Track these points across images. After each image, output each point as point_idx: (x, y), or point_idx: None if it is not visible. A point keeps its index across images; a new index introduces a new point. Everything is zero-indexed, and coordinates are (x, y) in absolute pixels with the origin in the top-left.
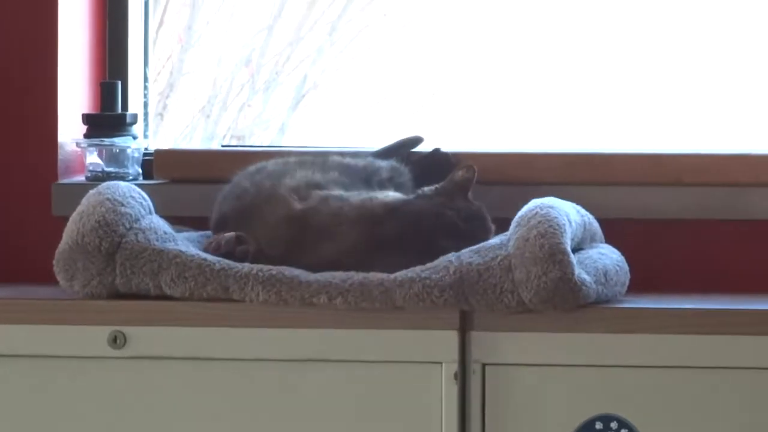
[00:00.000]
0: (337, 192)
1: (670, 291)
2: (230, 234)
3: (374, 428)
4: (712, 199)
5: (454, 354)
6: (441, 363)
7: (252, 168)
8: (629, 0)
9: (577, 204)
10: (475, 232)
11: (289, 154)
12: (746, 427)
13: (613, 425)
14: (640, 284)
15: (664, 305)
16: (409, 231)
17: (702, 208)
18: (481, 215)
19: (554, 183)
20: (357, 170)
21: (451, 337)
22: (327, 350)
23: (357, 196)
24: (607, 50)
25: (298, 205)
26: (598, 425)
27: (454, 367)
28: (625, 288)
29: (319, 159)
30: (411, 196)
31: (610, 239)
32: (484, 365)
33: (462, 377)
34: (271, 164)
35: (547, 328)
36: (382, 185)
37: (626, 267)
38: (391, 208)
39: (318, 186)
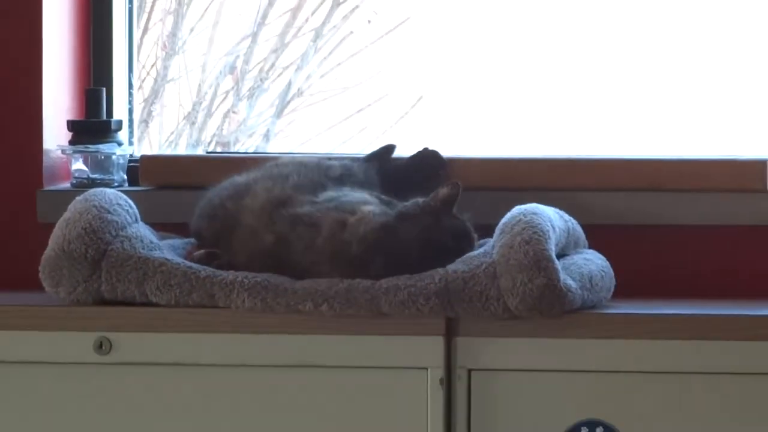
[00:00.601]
0: (304, 209)
1: (655, 296)
2: (200, 252)
3: None
4: (696, 205)
5: (440, 360)
6: (427, 369)
7: (225, 182)
8: (612, 7)
9: (561, 209)
10: (463, 249)
11: (270, 160)
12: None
13: (599, 431)
14: (624, 290)
15: (650, 311)
16: (395, 266)
17: (686, 214)
18: (467, 231)
19: (538, 188)
20: (311, 167)
21: (437, 342)
22: (313, 356)
23: (326, 211)
24: (591, 56)
25: (267, 238)
26: (584, 430)
27: (440, 372)
28: (611, 293)
29: (272, 163)
30: (391, 216)
31: (594, 245)
32: (469, 371)
33: (448, 383)
34: (237, 179)
35: (533, 333)
36: (336, 182)
37: (611, 272)
38: (371, 244)
39: (281, 203)
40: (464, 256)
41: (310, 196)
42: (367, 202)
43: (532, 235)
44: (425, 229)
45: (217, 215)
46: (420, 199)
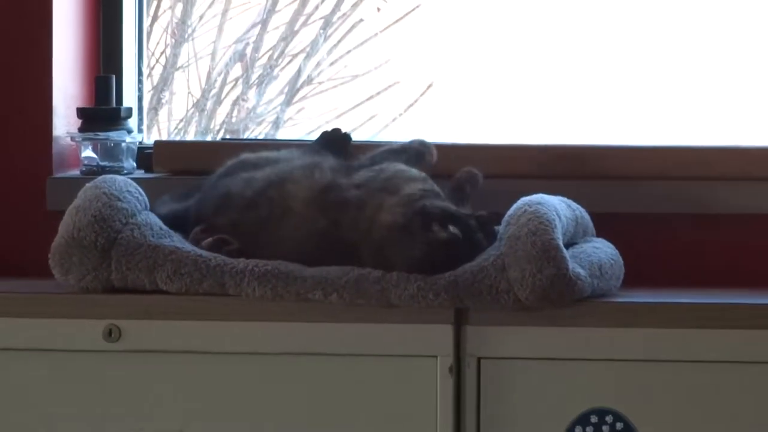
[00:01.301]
0: (351, 192)
1: (663, 285)
2: (208, 240)
3: (369, 422)
4: (704, 193)
5: (449, 348)
6: (436, 357)
7: (243, 174)
8: None
9: (569, 198)
10: (491, 242)
11: (279, 148)
12: (741, 420)
13: (608, 419)
14: (633, 278)
15: (659, 299)
16: (447, 265)
17: (694, 202)
18: (493, 228)
19: (546, 176)
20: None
21: (446, 331)
22: (322, 344)
23: (372, 192)
24: (599, 44)
25: (320, 223)
26: (594, 419)
27: (449, 360)
28: (620, 282)
29: (283, 153)
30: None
31: (603, 233)
32: (479, 359)
33: (457, 371)
34: (260, 173)
35: (543, 322)
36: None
37: (621, 261)
38: (441, 245)
39: (327, 188)
40: None
41: (348, 178)
42: (412, 179)
43: (538, 226)
44: (480, 240)
45: (259, 204)
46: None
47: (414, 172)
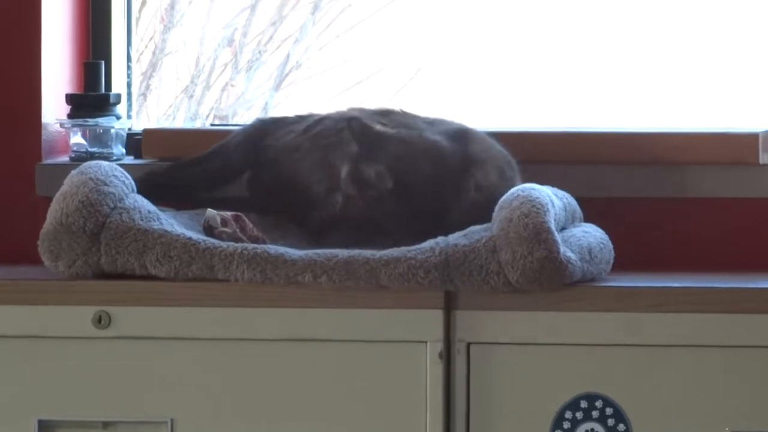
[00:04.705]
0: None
1: (651, 269)
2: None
3: (359, 407)
4: (690, 178)
5: (439, 333)
6: (426, 342)
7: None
8: None
9: (557, 182)
10: None
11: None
12: (732, 404)
13: (598, 404)
14: (621, 263)
15: (649, 284)
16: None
17: (680, 187)
18: None
19: (535, 161)
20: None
21: (436, 316)
22: (312, 329)
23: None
24: (588, 29)
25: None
26: (583, 404)
27: (439, 346)
28: (610, 266)
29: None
30: None
31: (590, 218)
32: (468, 344)
33: (447, 356)
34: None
35: (532, 306)
36: None
37: (610, 245)
38: None
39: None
40: (467, 230)
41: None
42: None
43: (531, 209)
44: None
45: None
46: None
47: None
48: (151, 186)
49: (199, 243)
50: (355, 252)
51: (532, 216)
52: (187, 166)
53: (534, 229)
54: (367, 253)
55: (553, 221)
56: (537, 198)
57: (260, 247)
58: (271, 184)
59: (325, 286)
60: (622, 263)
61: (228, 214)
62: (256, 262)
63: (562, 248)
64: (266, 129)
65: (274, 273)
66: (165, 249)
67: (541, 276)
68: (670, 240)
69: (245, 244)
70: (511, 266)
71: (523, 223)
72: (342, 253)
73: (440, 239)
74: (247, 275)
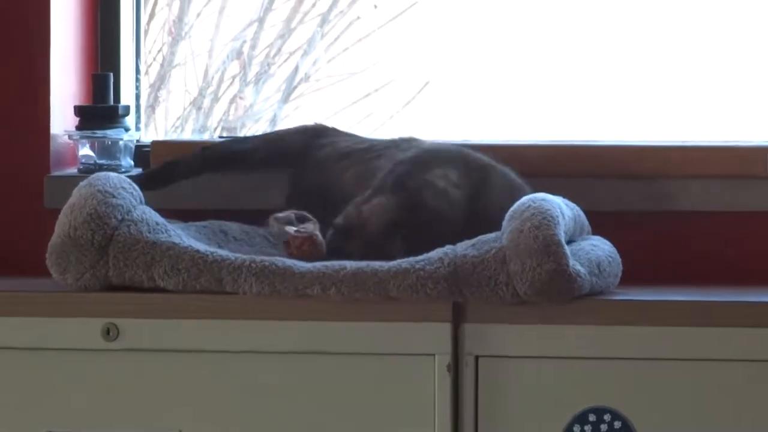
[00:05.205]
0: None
1: (659, 283)
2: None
3: (367, 420)
4: (699, 191)
5: (447, 346)
6: (434, 355)
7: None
8: None
9: (565, 195)
10: None
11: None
12: (739, 419)
13: (606, 417)
14: (629, 277)
15: (657, 297)
16: None
17: (689, 200)
18: None
19: (543, 174)
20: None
21: (444, 329)
22: (320, 342)
23: None
24: (596, 42)
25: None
26: (592, 417)
27: (447, 359)
28: (618, 280)
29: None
30: None
31: (598, 231)
32: (477, 357)
33: (455, 369)
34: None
35: (541, 320)
36: None
37: (618, 258)
38: None
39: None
40: (475, 240)
41: None
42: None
43: (541, 221)
44: None
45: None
46: None
47: None
48: (201, 159)
49: (207, 255)
50: (363, 263)
51: (543, 228)
52: (236, 141)
53: (544, 242)
54: (376, 264)
55: (563, 234)
56: (548, 210)
57: (268, 260)
58: (314, 184)
59: (334, 299)
60: (630, 277)
61: (290, 214)
62: (265, 274)
63: (572, 261)
64: (326, 131)
65: (283, 285)
66: (173, 262)
67: (550, 289)
68: (678, 253)
69: (253, 257)
70: (520, 278)
71: (533, 235)
72: (350, 264)
73: (449, 249)
74: (255, 288)
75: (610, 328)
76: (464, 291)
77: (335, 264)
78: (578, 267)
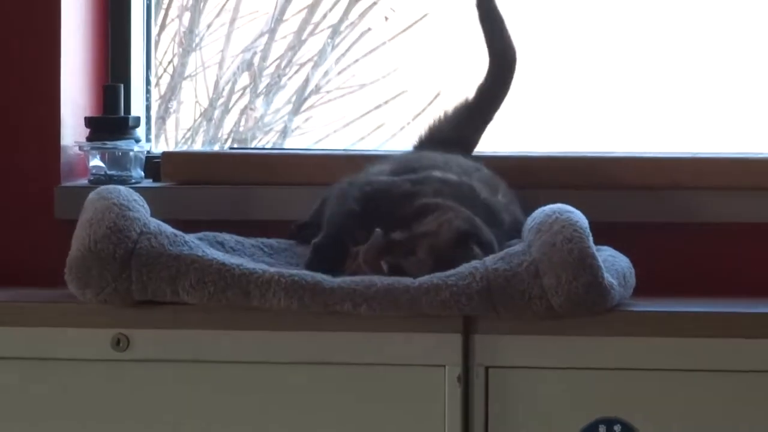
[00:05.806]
0: None
1: (671, 294)
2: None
3: (377, 430)
4: (712, 202)
5: (458, 357)
6: (444, 366)
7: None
8: (627, 3)
9: (577, 207)
10: None
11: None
12: (751, 430)
13: (617, 428)
14: (641, 288)
15: (669, 309)
16: None
17: (702, 211)
18: None
19: (554, 186)
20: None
21: (455, 340)
22: (330, 353)
23: None
24: (606, 53)
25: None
26: (602, 428)
27: (458, 370)
28: (631, 291)
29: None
30: None
31: (609, 243)
32: (487, 368)
33: (465, 380)
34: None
35: (551, 331)
36: None
37: (633, 270)
38: None
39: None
40: (502, 253)
41: None
42: None
43: (573, 234)
44: None
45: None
46: None
47: None
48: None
49: (234, 268)
50: (392, 279)
51: (576, 241)
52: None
53: (579, 255)
54: (406, 280)
55: (594, 246)
56: (577, 222)
57: (297, 274)
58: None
59: (364, 315)
60: (639, 288)
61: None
62: (294, 289)
63: (606, 274)
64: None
65: (312, 301)
66: (199, 275)
67: (586, 301)
68: (688, 265)
69: (282, 270)
70: (555, 291)
71: (567, 249)
72: (379, 281)
73: (477, 263)
74: (284, 303)
75: (620, 339)
76: (498, 306)
77: (364, 279)
78: (611, 279)
